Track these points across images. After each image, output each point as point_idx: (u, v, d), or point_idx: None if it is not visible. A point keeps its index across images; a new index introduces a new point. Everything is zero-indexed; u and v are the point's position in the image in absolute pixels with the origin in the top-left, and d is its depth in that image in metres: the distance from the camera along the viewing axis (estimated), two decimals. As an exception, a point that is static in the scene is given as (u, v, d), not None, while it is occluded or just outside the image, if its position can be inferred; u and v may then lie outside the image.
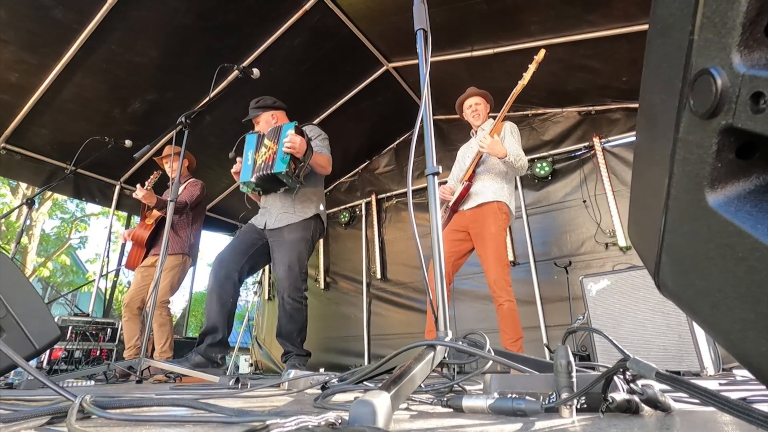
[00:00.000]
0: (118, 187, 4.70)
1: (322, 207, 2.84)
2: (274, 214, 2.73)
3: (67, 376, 2.35)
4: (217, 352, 2.50)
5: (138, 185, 3.23)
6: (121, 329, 3.60)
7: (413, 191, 4.81)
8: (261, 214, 2.82)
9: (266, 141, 2.57)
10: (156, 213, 3.46)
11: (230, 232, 5.92)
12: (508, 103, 2.71)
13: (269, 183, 2.61)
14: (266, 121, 2.84)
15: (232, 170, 2.75)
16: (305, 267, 2.72)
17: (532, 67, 2.69)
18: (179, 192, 3.47)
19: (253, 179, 2.54)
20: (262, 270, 6.05)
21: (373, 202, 5.31)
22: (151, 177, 3.45)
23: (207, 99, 2.73)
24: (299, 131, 2.49)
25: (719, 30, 0.38)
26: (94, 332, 3.44)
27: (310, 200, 2.78)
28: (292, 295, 2.59)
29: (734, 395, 0.83)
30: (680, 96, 0.44)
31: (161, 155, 3.66)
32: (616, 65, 3.45)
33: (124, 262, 4.49)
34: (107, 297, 4.74)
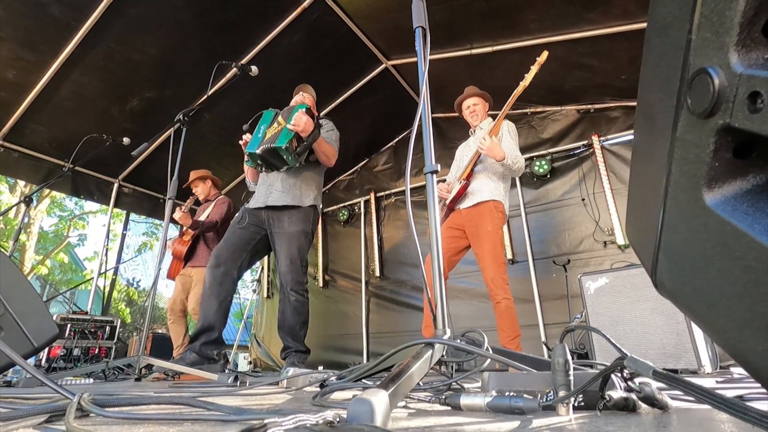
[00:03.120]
0: (116, 185, 4.69)
1: (319, 198, 2.91)
2: (277, 190, 2.76)
3: (65, 374, 2.35)
4: (212, 350, 2.51)
5: (178, 208, 3.58)
6: (119, 327, 3.68)
7: (412, 189, 4.81)
8: (259, 191, 2.83)
9: (279, 119, 2.65)
10: (192, 231, 3.81)
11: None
12: (508, 103, 2.71)
13: (272, 158, 2.65)
14: (311, 97, 3.00)
15: (242, 142, 2.76)
16: (306, 260, 2.77)
17: (534, 69, 2.68)
18: (210, 210, 3.83)
19: (258, 151, 2.58)
20: (260, 268, 6.06)
21: (372, 200, 5.30)
22: (188, 201, 3.90)
23: (205, 96, 2.72)
24: (309, 113, 2.58)
25: (717, 29, 0.38)
26: (92, 330, 3.45)
27: (310, 186, 2.84)
28: (295, 288, 2.63)
29: (731, 393, 0.84)
30: (678, 95, 0.44)
31: (189, 181, 4.03)
32: (615, 63, 3.45)
33: (122, 259, 4.60)
34: (106, 295, 4.74)
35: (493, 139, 2.64)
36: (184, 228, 3.80)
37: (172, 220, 3.65)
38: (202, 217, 3.77)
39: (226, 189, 5.19)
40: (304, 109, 2.56)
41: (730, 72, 0.37)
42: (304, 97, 2.97)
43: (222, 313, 2.57)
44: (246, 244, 2.72)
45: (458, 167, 3.03)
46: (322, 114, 4.45)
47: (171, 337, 3.68)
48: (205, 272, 3.53)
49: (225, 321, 2.61)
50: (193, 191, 4.03)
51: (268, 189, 2.79)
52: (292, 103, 2.96)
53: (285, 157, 2.57)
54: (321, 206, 2.97)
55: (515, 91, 2.71)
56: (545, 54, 2.68)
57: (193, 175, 3.97)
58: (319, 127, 2.68)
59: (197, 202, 4.11)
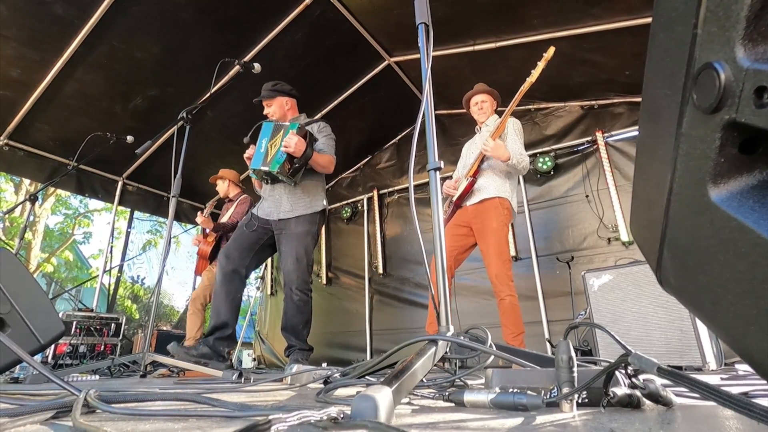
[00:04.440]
0: (120, 183, 4.71)
1: (325, 202, 2.91)
2: (285, 204, 2.76)
3: (71, 370, 2.37)
4: (225, 346, 2.55)
5: (198, 212, 3.96)
6: (125, 324, 3.71)
7: (415, 186, 4.81)
8: (268, 203, 2.83)
9: (279, 134, 2.63)
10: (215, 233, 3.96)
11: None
12: (514, 100, 2.69)
13: (270, 177, 2.68)
14: (280, 105, 2.90)
15: (245, 155, 2.78)
16: (312, 260, 2.77)
17: (541, 65, 2.66)
18: (232, 210, 3.93)
19: (264, 168, 2.60)
20: (264, 265, 6.08)
21: (375, 198, 5.30)
22: (208, 205, 4.06)
23: (208, 94, 2.72)
24: (302, 132, 2.57)
25: (723, 23, 0.38)
26: (98, 327, 3.47)
27: (317, 194, 2.85)
28: (300, 288, 2.64)
29: (736, 390, 0.83)
30: (683, 90, 0.44)
31: (217, 175, 4.22)
32: (619, 59, 3.42)
33: (127, 256, 4.75)
34: (111, 292, 4.76)
35: (497, 140, 2.63)
36: (207, 230, 3.97)
37: (196, 224, 3.75)
38: (226, 217, 3.90)
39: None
40: (295, 129, 2.55)
41: (737, 67, 0.37)
42: (289, 103, 2.92)
43: (234, 311, 2.63)
44: (254, 244, 2.75)
45: (464, 164, 3.02)
46: (324, 112, 4.46)
47: (186, 328, 3.80)
48: None
49: (236, 318, 2.66)
50: (217, 187, 4.25)
51: (277, 203, 2.79)
52: (271, 109, 2.92)
53: (280, 178, 2.62)
54: (327, 206, 2.97)
55: (522, 87, 2.68)
56: (552, 50, 2.65)
57: (221, 173, 4.20)
58: (313, 143, 2.67)
59: (219, 205, 4.32)
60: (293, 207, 2.74)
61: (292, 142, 2.50)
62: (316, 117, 4.38)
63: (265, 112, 2.92)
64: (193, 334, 3.64)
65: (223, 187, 4.15)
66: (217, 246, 3.91)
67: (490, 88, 2.99)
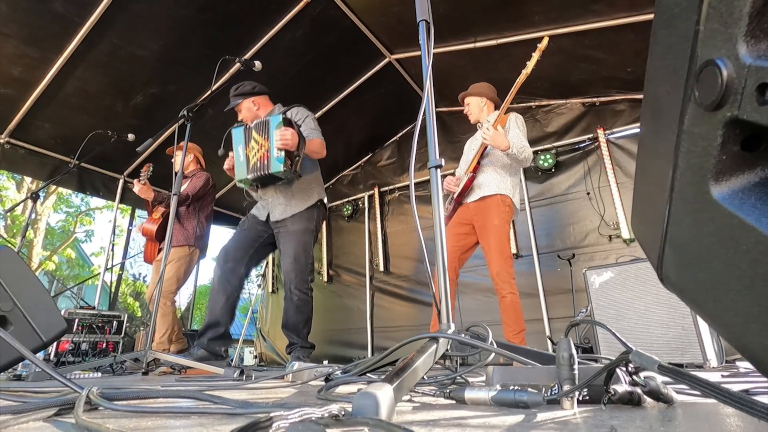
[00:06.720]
0: (121, 181, 4.71)
1: (321, 193, 2.83)
2: (277, 206, 2.73)
3: (74, 368, 2.38)
4: (220, 346, 2.53)
5: (135, 180, 3.27)
6: (127, 321, 3.68)
7: (416, 184, 4.80)
8: (262, 206, 2.82)
9: (255, 135, 2.52)
10: (162, 207, 3.53)
11: (234, 225, 5.93)
12: (511, 93, 2.69)
13: (267, 180, 2.62)
14: (248, 108, 2.81)
15: (225, 167, 2.74)
16: (311, 258, 2.74)
17: (535, 56, 2.66)
18: (188, 184, 3.54)
19: (250, 177, 2.54)
20: (265, 263, 6.09)
21: (376, 195, 5.30)
22: (143, 170, 3.46)
23: (209, 92, 2.72)
24: (287, 122, 2.44)
25: (725, 20, 0.38)
26: (100, 325, 3.48)
27: (310, 187, 2.78)
28: (299, 287, 2.62)
29: (736, 387, 0.83)
30: (685, 87, 0.44)
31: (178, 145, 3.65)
32: (621, 56, 3.41)
33: (129, 254, 4.71)
34: (112, 290, 4.77)
35: (497, 129, 2.62)
36: (153, 205, 3.53)
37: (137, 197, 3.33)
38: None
39: (228, 186, 5.19)
40: (281, 122, 2.39)
41: (739, 63, 0.37)
42: (256, 102, 2.81)
43: (229, 309, 2.59)
44: (253, 242, 2.73)
45: (466, 161, 3.01)
46: (325, 109, 4.45)
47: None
48: (178, 251, 3.42)
49: (232, 317, 2.62)
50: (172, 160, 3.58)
51: (270, 205, 2.75)
52: (242, 114, 2.81)
53: (284, 177, 2.50)
54: (326, 198, 2.89)
55: (518, 80, 2.67)
56: (545, 40, 2.64)
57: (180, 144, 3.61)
58: (300, 131, 2.53)
59: (162, 177, 3.78)
60: (288, 206, 2.70)
61: (288, 136, 2.36)
62: (316, 115, 4.37)
63: (239, 118, 2.84)
64: (177, 336, 3.37)
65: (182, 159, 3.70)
66: (164, 225, 3.44)
67: (479, 88, 2.95)
